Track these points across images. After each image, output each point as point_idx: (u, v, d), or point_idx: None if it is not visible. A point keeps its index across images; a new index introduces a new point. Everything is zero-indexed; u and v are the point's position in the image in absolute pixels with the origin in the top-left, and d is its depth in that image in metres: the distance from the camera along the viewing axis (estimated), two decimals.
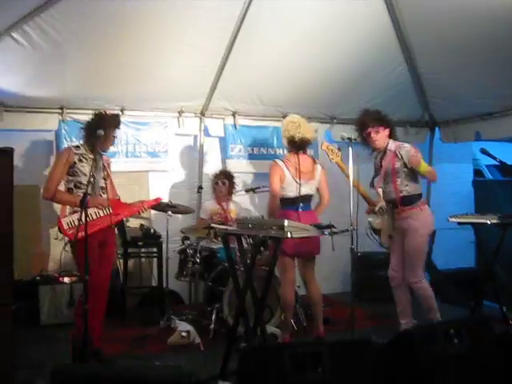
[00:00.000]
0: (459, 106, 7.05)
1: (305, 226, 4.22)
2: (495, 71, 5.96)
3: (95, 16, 5.20)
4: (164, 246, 6.28)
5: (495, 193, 7.85)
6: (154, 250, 6.62)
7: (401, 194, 5.08)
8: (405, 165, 5.03)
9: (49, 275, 6.28)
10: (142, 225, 6.56)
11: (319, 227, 4.43)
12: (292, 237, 3.92)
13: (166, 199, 6.27)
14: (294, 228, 4.00)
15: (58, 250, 6.16)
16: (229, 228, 4.80)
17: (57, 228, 4.79)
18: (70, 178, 4.83)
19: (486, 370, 3.51)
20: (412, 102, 7.25)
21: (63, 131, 6.44)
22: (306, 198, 5.26)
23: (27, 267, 6.18)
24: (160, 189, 7.13)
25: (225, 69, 6.43)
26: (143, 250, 6.71)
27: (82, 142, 5.01)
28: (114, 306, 5.62)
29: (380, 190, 5.22)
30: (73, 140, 6.23)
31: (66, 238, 4.74)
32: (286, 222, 3.91)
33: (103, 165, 4.97)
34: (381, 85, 6.84)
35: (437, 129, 7.88)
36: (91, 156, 4.85)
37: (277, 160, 5.29)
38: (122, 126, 6.52)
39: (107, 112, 5.15)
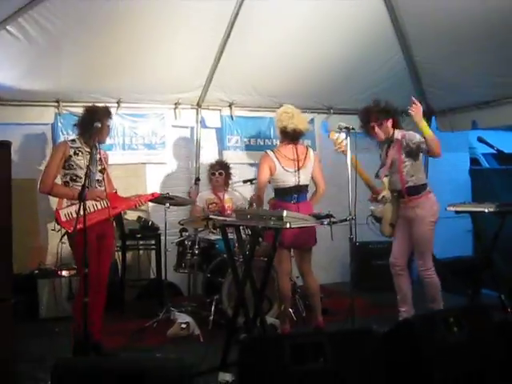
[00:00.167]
0: (456, 95, 7.04)
1: (304, 216, 4.22)
2: (491, 60, 5.95)
3: (91, 8, 5.17)
4: (162, 238, 6.28)
5: (492, 181, 7.87)
6: (153, 242, 6.64)
7: (406, 185, 5.11)
8: (410, 153, 5.03)
9: (47, 269, 6.27)
10: (139, 217, 6.56)
11: (318, 217, 4.43)
12: (291, 227, 3.93)
13: (163, 191, 6.27)
14: (292, 218, 4.00)
15: (57, 244, 6.20)
16: (227, 219, 4.79)
17: (54, 220, 4.79)
18: (66, 171, 4.82)
19: (486, 357, 3.52)
20: (408, 91, 7.21)
21: (59, 124, 6.43)
22: (302, 188, 5.24)
23: (25, 261, 6.16)
24: (157, 181, 7.15)
25: (221, 60, 6.42)
26: (141, 242, 6.73)
27: (77, 136, 5.00)
28: (113, 299, 5.61)
29: (385, 179, 5.24)
30: (69, 133, 6.23)
31: (63, 230, 4.73)
32: (284, 213, 3.92)
33: (100, 158, 4.97)
34: (377, 74, 6.83)
35: (433, 118, 7.86)
36: (87, 149, 4.84)
37: (268, 151, 5.26)
38: (118, 118, 6.60)
39: (96, 105, 5.14)
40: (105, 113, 4.99)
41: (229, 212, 6.46)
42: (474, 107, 7.11)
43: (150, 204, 6.61)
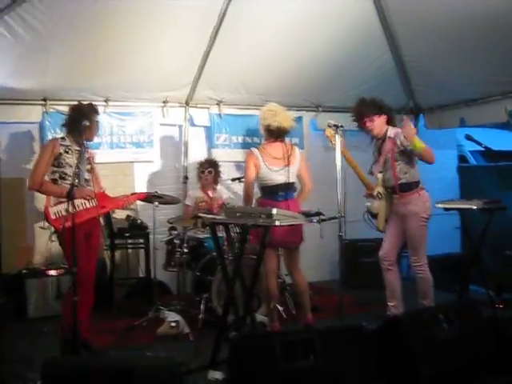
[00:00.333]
0: (444, 93, 7.08)
1: (293, 214, 4.22)
2: (479, 58, 5.98)
3: (78, 7, 5.13)
4: (151, 236, 6.27)
5: (479, 178, 7.92)
6: (141, 240, 6.61)
7: (399, 182, 5.14)
8: (403, 152, 5.06)
9: (35, 268, 6.22)
10: (128, 216, 6.54)
11: (307, 215, 4.43)
12: (281, 225, 3.93)
13: (151, 190, 6.25)
14: (282, 216, 4.00)
15: (44, 243, 6.17)
16: (216, 217, 4.78)
17: (43, 220, 4.76)
18: (55, 168, 4.79)
19: (475, 353, 3.55)
20: (397, 89, 7.26)
21: (47, 123, 6.38)
22: (290, 186, 5.22)
23: (13, 261, 6.09)
24: (145, 179, 7.13)
25: (209, 58, 6.40)
26: (130, 241, 6.69)
27: (65, 135, 4.97)
28: (102, 298, 5.58)
29: (379, 175, 5.27)
30: (57, 131, 6.16)
31: (53, 229, 4.71)
32: (274, 210, 3.92)
33: (88, 158, 4.95)
34: (366, 72, 6.84)
35: (421, 115, 7.91)
36: (76, 148, 4.82)
37: (252, 149, 5.24)
38: (106, 116, 6.57)
39: (82, 103, 5.11)
40: (91, 110, 4.98)
41: (218, 210, 6.45)
42: (461, 105, 7.15)
43: (139, 203, 6.58)
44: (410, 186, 5.15)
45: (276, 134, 5.17)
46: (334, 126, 4.79)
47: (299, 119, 7.31)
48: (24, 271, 6.12)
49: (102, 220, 5.25)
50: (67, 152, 4.81)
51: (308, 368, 3.15)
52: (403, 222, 5.20)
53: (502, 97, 6.51)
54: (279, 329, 5.20)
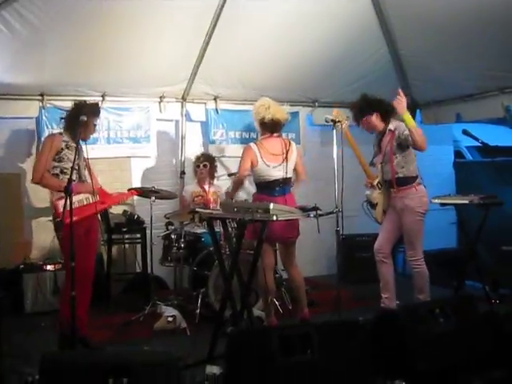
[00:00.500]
0: (440, 88, 7.08)
1: (290, 209, 4.23)
2: (476, 53, 5.99)
3: (75, 2, 5.13)
4: (148, 231, 6.27)
5: (475, 174, 7.92)
6: (138, 235, 6.59)
7: (396, 175, 5.15)
8: (401, 145, 5.08)
9: (32, 263, 6.22)
10: (125, 211, 6.52)
11: (304, 210, 4.43)
12: (278, 219, 3.94)
13: (148, 185, 6.25)
14: (279, 211, 4.01)
15: (41, 238, 6.18)
16: (214, 212, 4.79)
17: (41, 217, 4.75)
18: (56, 163, 4.79)
19: (471, 348, 3.56)
20: (393, 84, 7.24)
21: (44, 118, 6.35)
22: (287, 181, 5.22)
23: (10, 256, 6.13)
24: (142, 174, 7.12)
25: (206, 53, 6.39)
26: (127, 236, 6.68)
27: (63, 130, 4.96)
28: (99, 293, 5.59)
29: (380, 166, 5.30)
30: (54, 127, 6.18)
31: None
32: (271, 205, 3.92)
33: (83, 157, 4.94)
34: (362, 67, 6.84)
35: (418, 111, 7.90)
36: (74, 144, 4.82)
37: (251, 144, 5.24)
38: (103, 112, 6.53)
39: (87, 101, 5.11)
40: (92, 109, 4.96)
41: (214, 205, 6.46)
42: (458, 100, 7.14)
43: (136, 198, 6.59)
44: (407, 181, 5.16)
45: (271, 127, 5.17)
46: (332, 121, 4.80)
47: (295, 114, 7.32)
48: (21, 266, 6.12)
49: (99, 215, 5.23)
50: (68, 148, 4.81)
51: (305, 362, 3.16)
52: (400, 216, 5.21)
53: (498, 92, 6.51)
54: (276, 323, 5.21)
